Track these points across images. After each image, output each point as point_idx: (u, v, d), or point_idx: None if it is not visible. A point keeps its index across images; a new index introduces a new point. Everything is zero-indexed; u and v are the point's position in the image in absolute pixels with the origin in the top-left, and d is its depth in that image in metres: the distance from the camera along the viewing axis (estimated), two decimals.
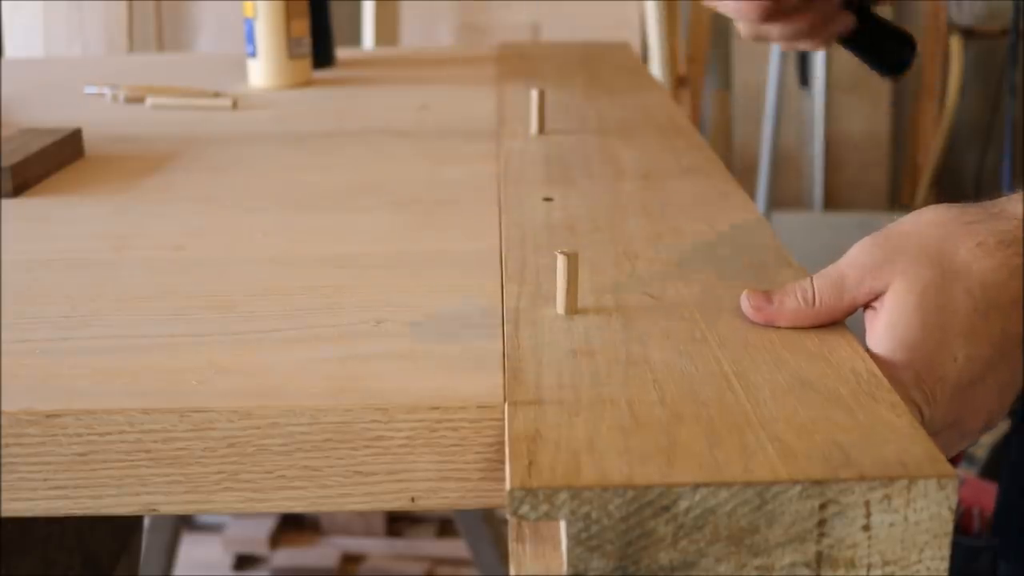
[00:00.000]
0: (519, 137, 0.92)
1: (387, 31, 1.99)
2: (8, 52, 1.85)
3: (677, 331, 0.52)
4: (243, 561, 1.83)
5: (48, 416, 0.46)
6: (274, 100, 1.14)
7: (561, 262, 0.54)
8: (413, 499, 0.48)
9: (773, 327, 0.52)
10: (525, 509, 0.39)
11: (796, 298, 0.53)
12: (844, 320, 0.53)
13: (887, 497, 0.40)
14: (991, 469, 1.70)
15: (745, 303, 0.54)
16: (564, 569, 0.40)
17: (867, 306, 0.52)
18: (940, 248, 0.51)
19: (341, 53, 1.36)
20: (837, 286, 0.52)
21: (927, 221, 0.53)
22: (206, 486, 0.47)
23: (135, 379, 0.49)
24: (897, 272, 0.51)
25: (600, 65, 1.28)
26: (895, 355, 0.49)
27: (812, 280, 0.53)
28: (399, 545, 1.82)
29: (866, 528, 0.40)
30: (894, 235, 0.53)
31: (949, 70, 2.64)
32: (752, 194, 2.55)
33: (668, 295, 0.57)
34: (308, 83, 1.19)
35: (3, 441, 0.46)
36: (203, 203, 0.76)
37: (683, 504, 0.39)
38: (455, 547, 1.80)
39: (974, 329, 0.49)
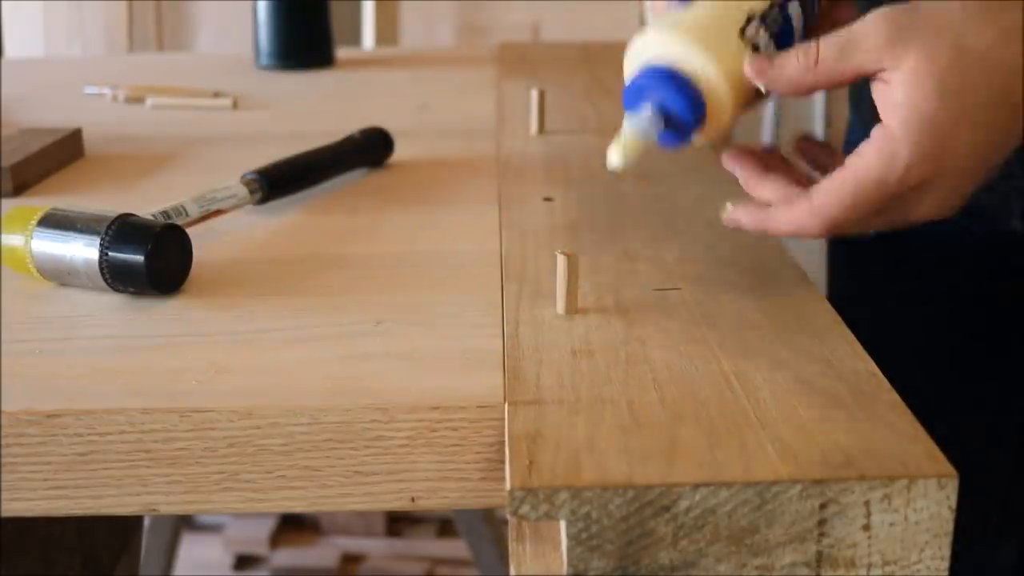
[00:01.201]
0: (519, 137, 0.92)
1: (387, 31, 1.99)
2: (8, 52, 1.85)
3: (677, 331, 0.52)
4: (243, 561, 1.83)
5: (48, 416, 0.46)
6: (274, 100, 1.14)
7: (561, 262, 0.54)
8: (413, 499, 0.48)
9: (774, 85, 0.52)
10: (525, 509, 0.39)
11: (797, 60, 0.51)
12: (845, 84, 0.51)
13: (887, 497, 0.40)
14: None
15: (747, 68, 0.52)
16: (564, 569, 0.40)
17: (873, 78, 0.50)
18: (962, 30, 0.48)
19: (341, 53, 1.36)
20: (844, 48, 0.50)
21: (949, 5, 0.50)
22: (206, 486, 0.47)
23: (135, 379, 0.49)
24: (914, 46, 0.48)
25: (600, 65, 1.28)
26: (909, 128, 0.48)
27: (810, 45, 0.51)
28: (399, 545, 1.82)
29: (866, 528, 0.40)
30: (913, 10, 0.50)
31: None
32: None
33: (668, 295, 0.57)
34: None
35: (3, 441, 0.46)
36: None
37: (683, 504, 0.40)
38: (455, 547, 1.80)
39: (985, 119, 0.48)
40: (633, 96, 0.55)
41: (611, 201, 0.73)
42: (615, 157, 0.53)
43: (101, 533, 0.92)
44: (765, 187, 0.54)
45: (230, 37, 1.92)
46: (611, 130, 0.94)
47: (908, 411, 0.44)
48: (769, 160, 0.56)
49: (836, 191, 0.49)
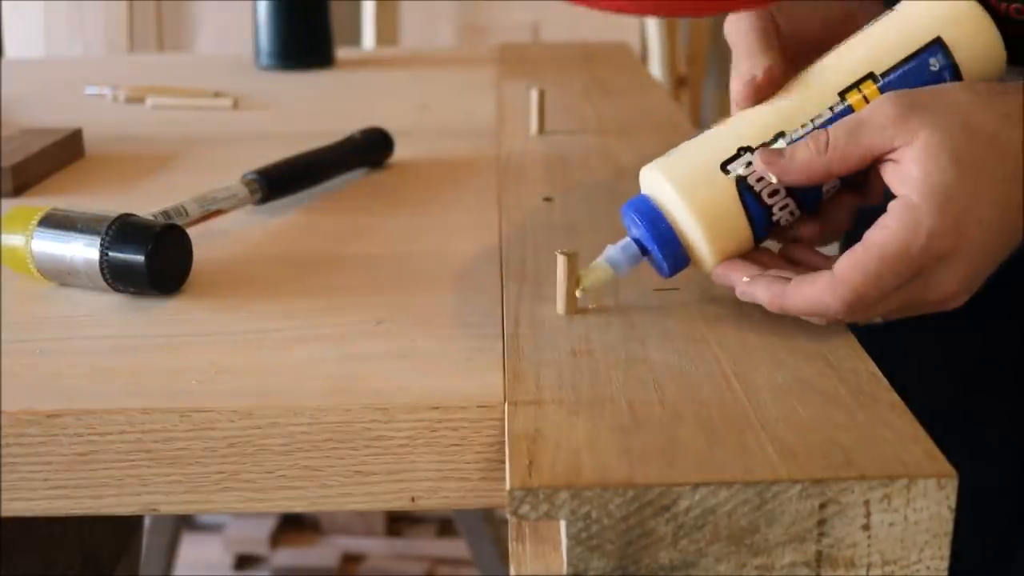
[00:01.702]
0: (519, 137, 0.92)
1: (387, 31, 1.99)
2: (8, 52, 1.85)
3: (677, 331, 0.52)
4: (243, 561, 1.83)
5: (48, 416, 0.46)
6: (274, 100, 1.14)
7: (561, 262, 0.54)
8: (413, 499, 0.48)
9: (786, 175, 0.51)
10: (525, 509, 0.39)
11: (808, 146, 0.51)
12: (857, 167, 0.51)
13: (887, 497, 0.40)
14: None
15: (757, 162, 0.51)
16: (564, 569, 0.40)
17: (882, 160, 0.50)
18: (969, 110, 0.49)
19: (341, 53, 1.36)
20: (854, 129, 0.50)
21: (953, 87, 0.51)
22: (206, 486, 0.47)
23: (135, 379, 0.49)
24: (926, 125, 0.48)
25: (600, 65, 1.28)
26: (928, 198, 0.47)
27: (818, 133, 0.51)
28: (399, 545, 1.82)
29: (866, 528, 0.40)
30: (920, 92, 0.50)
31: None
32: None
33: (668, 295, 0.57)
34: None
35: (3, 441, 0.46)
36: None
37: (683, 504, 0.40)
38: (455, 547, 1.79)
39: (1001, 196, 0.48)
40: (625, 219, 0.55)
41: (611, 201, 0.73)
42: (583, 279, 0.54)
43: (101, 533, 0.92)
44: (759, 285, 0.52)
45: (230, 37, 1.92)
46: (611, 130, 0.94)
47: (908, 411, 0.44)
48: (762, 259, 0.54)
49: (859, 262, 0.48)
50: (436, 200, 0.76)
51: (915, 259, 0.48)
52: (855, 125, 0.50)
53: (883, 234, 0.48)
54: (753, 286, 0.52)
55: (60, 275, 0.59)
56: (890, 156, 0.49)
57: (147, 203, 0.64)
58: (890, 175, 0.49)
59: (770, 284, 0.51)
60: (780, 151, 0.51)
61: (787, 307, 0.50)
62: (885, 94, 0.50)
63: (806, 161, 0.50)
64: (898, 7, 0.54)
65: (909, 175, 0.48)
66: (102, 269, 0.57)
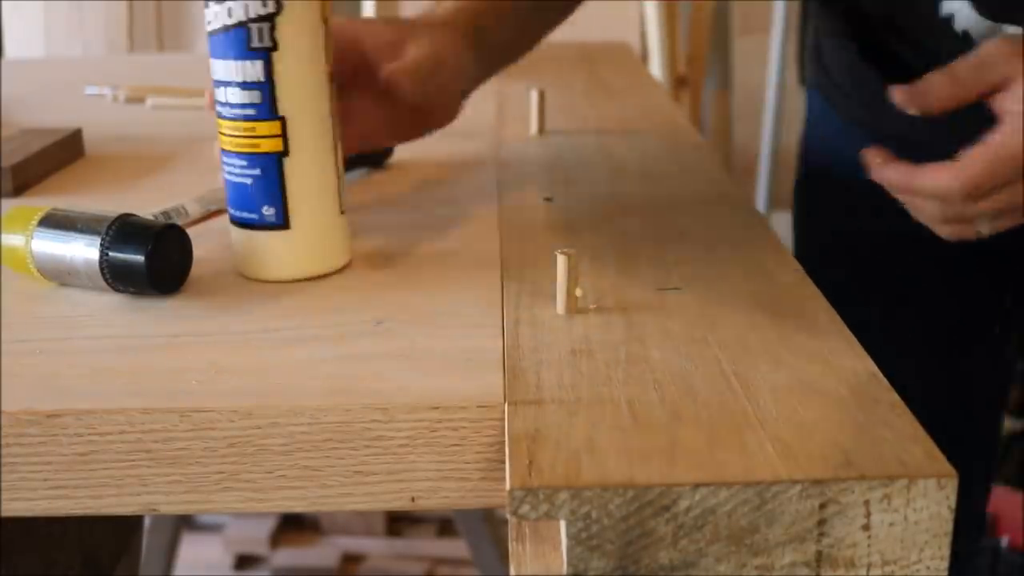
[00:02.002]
0: (519, 137, 0.92)
1: None
2: (8, 52, 1.85)
3: (677, 331, 0.52)
4: (243, 561, 1.83)
5: (48, 416, 0.46)
6: None
7: (561, 262, 0.54)
8: (413, 499, 0.48)
9: (927, 107, 0.63)
10: (525, 509, 0.39)
11: (943, 81, 0.62)
12: (979, 97, 0.62)
13: (887, 497, 0.40)
14: None
15: (898, 97, 0.63)
16: (564, 569, 0.40)
17: (997, 90, 0.62)
18: None
19: None
20: (979, 67, 0.62)
21: None
22: (206, 486, 0.47)
23: (135, 379, 0.49)
24: None
25: (600, 65, 1.28)
26: None
27: (950, 68, 0.62)
28: (399, 545, 1.82)
29: (866, 528, 0.40)
30: (1018, 38, 0.62)
31: None
32: (752, 194, 2.55)
33: (668, 295, 0.57)
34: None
35: (3, 441, 0.46)
36: None
37: (683, 504, 0.40)
38: (455, 547, 1.80)
39: None
40: None
41: (611, 201, 0.73)
42: None
43: (101, 533, 0.92)
44: (890, 167, 0.64)
45: None
46: (611, 130, 0.94)
47: (908, 411, 0.44)
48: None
49: (980, 154, 0.59)
50: (436, 200, 0.76)
51: (1022, 160, 0.59)
52: (979, 64, 0.62)
53: (1000, 137, 0.60)
54: (887, 167, 0.64)
55: (60, 275, 0.59)
56: (1003, 86, 0.61)
57: (147, 203, 0.64)
58: (1002, 99, 0.61)
59: (899, 166, 0.63)
60: (914, 86, 0.63)
61: (914, 186, 0.62)
62: (995, 39, 0.62)
63: (944, 93, 0.62)
64: None
65: (1019, 95, 0.60)
66: (102, 269, 0.57)
